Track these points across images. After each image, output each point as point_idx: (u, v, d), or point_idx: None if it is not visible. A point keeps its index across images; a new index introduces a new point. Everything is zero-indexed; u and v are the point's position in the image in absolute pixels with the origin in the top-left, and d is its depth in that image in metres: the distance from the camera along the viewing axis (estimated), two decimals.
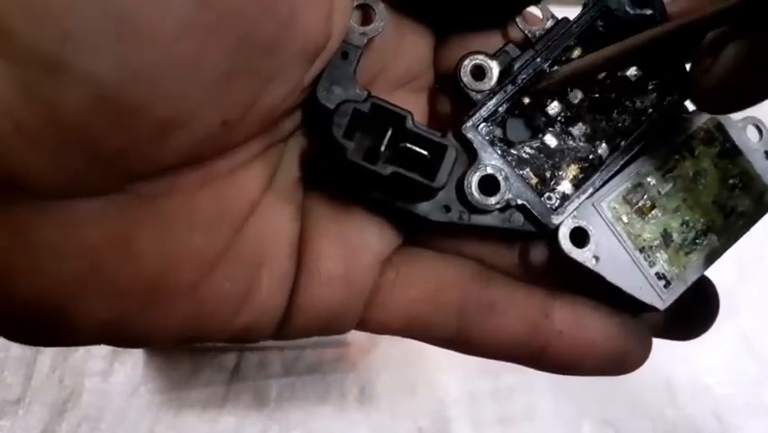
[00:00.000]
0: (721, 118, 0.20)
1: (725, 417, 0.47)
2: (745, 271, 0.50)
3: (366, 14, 0.19)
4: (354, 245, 0.20)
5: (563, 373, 0.21)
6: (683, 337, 0.22)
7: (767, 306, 0.49)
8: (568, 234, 0.19)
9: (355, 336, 0.45)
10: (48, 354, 0.46)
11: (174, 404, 0.46)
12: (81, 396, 0.46)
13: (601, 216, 0.20)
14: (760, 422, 0.47)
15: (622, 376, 0.47)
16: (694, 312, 0.21)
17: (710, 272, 0.48)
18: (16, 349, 0.46)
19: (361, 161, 0.17)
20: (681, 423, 0.47)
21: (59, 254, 0.16)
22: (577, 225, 0.19)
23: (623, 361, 0.21)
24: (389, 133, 0.18)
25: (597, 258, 0.19)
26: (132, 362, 0.47)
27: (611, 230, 0.20)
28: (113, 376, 0.46)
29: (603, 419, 0.47)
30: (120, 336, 0.18)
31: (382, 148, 0.17)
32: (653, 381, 0.48)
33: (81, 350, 0.47)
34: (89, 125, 0.14)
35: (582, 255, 0.19)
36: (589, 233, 0.19)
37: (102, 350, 0.47)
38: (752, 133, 0.21)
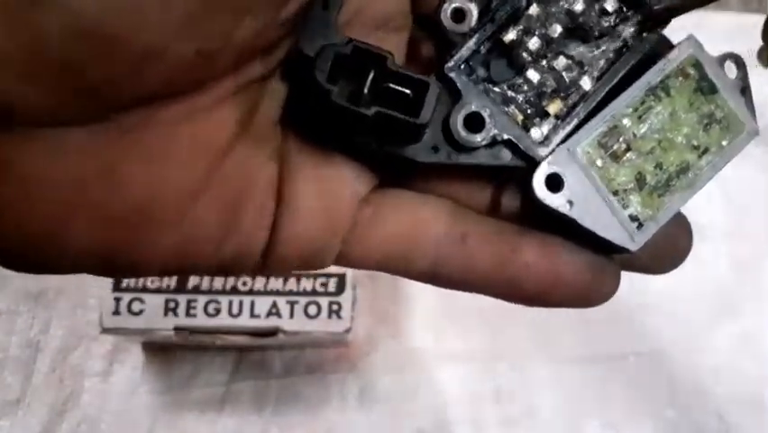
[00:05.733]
0: (697, 54, 0.20)
1: (726, 416, 0.47)
2: (746, 270, 0.50)
3: None
4: (333, 183, 0.20)
5: (532, 305, 0.21)
6: (655, 271, 0.22)
7: (767, 305, 0.49)
8: (543, 181, 0.20)
9: (355, 336, 0.45)
10: (47, 355, 0.46)
11: (174, 405, 0.46)
12: (81, 396, 0.46)
13: (576, 160, 0.20)
14: (761, 422, 0.47)
15: (623, 377, 0.47)
16: (666, 244, 0.21)
17: (711, 273, 0.49)
18: (16, 349, 0.46)
19: (346, 103, 0.18)
20: (682, 423, 0.47)
21: (47, 183, 0.16)
22: (552, 171, 0.20)
23: (590, 294, 0.21)
24: (372, 74, 0.18)
25: (571, 203, 0.20)
26: (132, 362, 0.47)
27: (585, 174, 0.20)
28: (112, 376, 0.46)
29: (604, 419, 0.47)
30: (109, 265, 0.19)
31: (365, 90, 0.18)
32: (654, 381, 0.48)
33: (81, 350, 0.47)
34: (71, 55, 0.15)
35: (556, 201, 0.20)
36: (564, 178, 0.20)
37: (101, 350, 0.47)
38: (729, 68, 0.21)
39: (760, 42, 0.56)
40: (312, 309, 0.41)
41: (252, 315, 0.41)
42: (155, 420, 0.46)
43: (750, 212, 0.50)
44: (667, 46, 0.21)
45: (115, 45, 0.15)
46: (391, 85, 0.18)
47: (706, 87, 0.20)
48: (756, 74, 0.55)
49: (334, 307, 0.41)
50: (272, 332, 0.41)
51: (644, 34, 0.20)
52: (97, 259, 0.18)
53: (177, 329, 0.41)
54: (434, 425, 0.46)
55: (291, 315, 0.41)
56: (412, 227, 0.21)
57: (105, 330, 0.40)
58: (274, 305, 0.41)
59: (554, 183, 0.20)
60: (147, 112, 0.17)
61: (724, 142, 0.20)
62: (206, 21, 0.16)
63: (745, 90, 0.21)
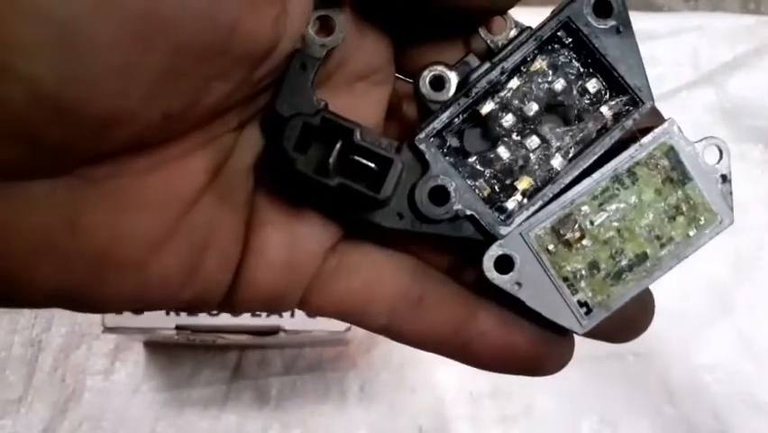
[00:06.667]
0: (673, 141, 0.20)
1: (722, 415, 0.47)
2: (742, 269, 0.50)
3: (326, 25, 0.19)
4: (300, 234, 0.20)
5: (484, 369, 0.21)
6: (610, 341, 0.22)
7: (764, 304, 0.49)
8: (492, 261, 0.20)
9: (355, 334, 0.45)
10: (49, 353, 0.46)
11: (176, 402, 0.46)
12: (83, 395, 0.46)
13: (528, 244, 0.20)
14: (758, 420, 0.47)
15: (620, 376, 0.47)
16: (623, 322, 0.21)
17: (707, 271, 0.49)
18: (18, 348, 0.46)
19: (311, 172, 0.18)
20: (678, 421, 0.47)
21: (11, 232, 0.17)
22: (502, 252, 0.20)
23: (543, 365, 0.21)
24: (339, 145, 0.18)
25: (519, 284, 0.20)
26: (134, 360, 0.47)
27: (536, 259, 0.20)
28: (114, 375, 0.47)
29: (602, 417, 0.47)
30: (73, 303, 0.19)
31: (330, 160, 0.18)
32: (652, 379, 0.48)
33: (83, 348, 0.47)
34: (31, 120, 0.15)
35: (504, 282, 0.20)
36: (515, 261, 0.20)
37: (103, 348, 0.47)
38: (710, 155, 0.20)
39: (760, 42, 0.56)
40: None
41: (254, 314, 0.41)
42: (157, 418, 0.46)
43: (748, 211, 0.50)
44: (652, 120, 0.20)
45: (72, 113, 0.15)
46: (357, 157, 0.19)
47: (678, 176, 0.20)
48: (758, 73, 0.55)
49: None
50: (273, 331, 0.41)
51: (624, 118, 0.20)
52: (60, 299, 0.19)
53: (178, 328, 0.41)
54: (433, 422, 0.47)
55: (292, 314, 0.41)
56: (370, 284, 0.21)
57: (107, 329, 0.40)
58: None
59: (504, 265, 0.20)
60: (114, 164, 0.17)
61: (690, 233, 0.20)
62: (172, 88, 0.16)
63: (725, 177, 0.20)
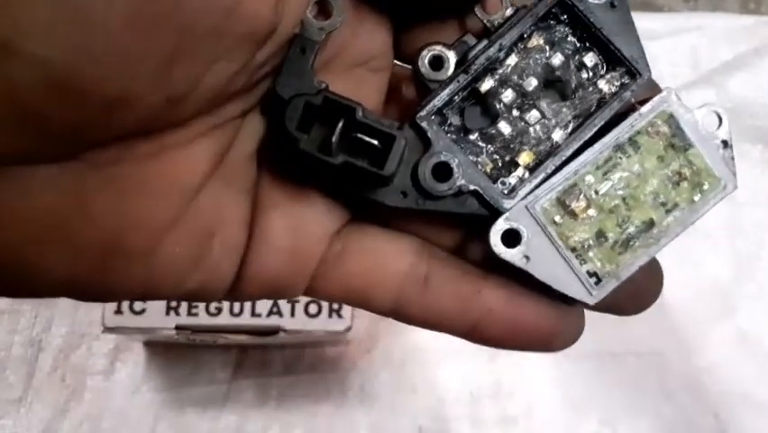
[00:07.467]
0: (673, 109, 0.20)
1: (723, 415, 0.47)
2: (743, 269, 0.50)
3: (324, 9, 0.19)
4: (304, 219, 0.21)
5: (495, 347, 0.22)
6: (618, 314, 0.22)
7: (765, 304, 0.49)
8: (499, 235, 0.20)
9: (355, 334, 0.45)
10: (49, 353, 0.46)
11: (176, 402, 0.46)
12: (83, 395, 0.46)
13: (534, 217, 0.20)
14: (758, 421, 0.47)
15: (621, 376, 0.47)
16: (631, 292, 0.21)
17: (708, 271, 0.49)
18: (18, 348, 0.46)
19: (314, 151, 0.18)
20: (678, 421, 0.47)
21: (18, 216, 0.17)
22: (508, 226, 0.20)
23: (552, 340, 0.21)
24: (341, 124, 0.19)
25: (527, 257, 0.20)
26: (134, 360, 0.47)
27: (543, 231, 0.20)
28: (114, 375, 0.47)
29: (601, 418, 0.47)
30: (79, 292, 0.19)
31: (333, 139, 0.18)
32: (652, 379, 0.48)
33: (83, 348, 0.47)
34: (41, 103, 0.15)
35: (512, 255, 0.20)
36: (522, 234, 0.20)
37: (103, 348, 0.47)
38: (710, 121, 0.20)
39: (760, 42, 0.56)
40: (312, 308, 0.41)
41: (254, 314, 0.41)
42: (157, 418, 0.46)
43: (749, 211, 0.51)
44: (649, 92, 0.20)
45: (83, 95, 0.15)
46: (359, 135, 0.19)
47: (679, 143, 0.20)
48: (759, 73, 0.55)
49: (335, 306, 0.41)
50: (273, 331, 0.41)
51: (622, 90, 0.20)
52: (68, 287, 0.19)
53: (178, 328, 0.41)
54: (433, 422, 0.47)
55: (292, 314, 0.41)
56: (375, 267, 0.21)
57: (107, 329, 0.40)
58: (275, 304, 0.41)
59: (511, 238, 0.20)
60: (119, 149, 0.17)
61: (695, 198, 0.20)
62: (177, 69, 0.16)
63: (725, 143, 0.20)
